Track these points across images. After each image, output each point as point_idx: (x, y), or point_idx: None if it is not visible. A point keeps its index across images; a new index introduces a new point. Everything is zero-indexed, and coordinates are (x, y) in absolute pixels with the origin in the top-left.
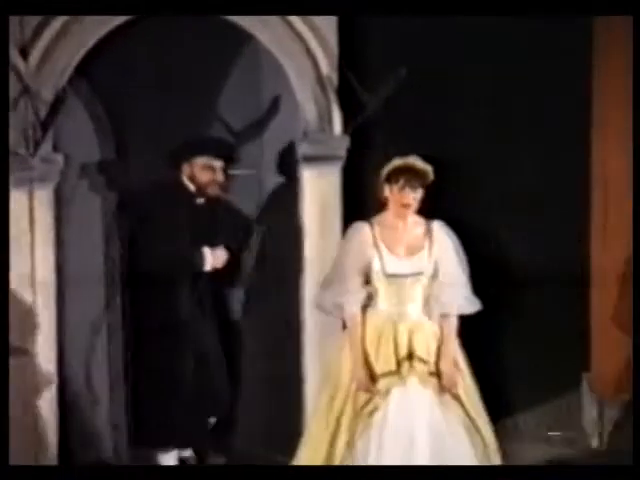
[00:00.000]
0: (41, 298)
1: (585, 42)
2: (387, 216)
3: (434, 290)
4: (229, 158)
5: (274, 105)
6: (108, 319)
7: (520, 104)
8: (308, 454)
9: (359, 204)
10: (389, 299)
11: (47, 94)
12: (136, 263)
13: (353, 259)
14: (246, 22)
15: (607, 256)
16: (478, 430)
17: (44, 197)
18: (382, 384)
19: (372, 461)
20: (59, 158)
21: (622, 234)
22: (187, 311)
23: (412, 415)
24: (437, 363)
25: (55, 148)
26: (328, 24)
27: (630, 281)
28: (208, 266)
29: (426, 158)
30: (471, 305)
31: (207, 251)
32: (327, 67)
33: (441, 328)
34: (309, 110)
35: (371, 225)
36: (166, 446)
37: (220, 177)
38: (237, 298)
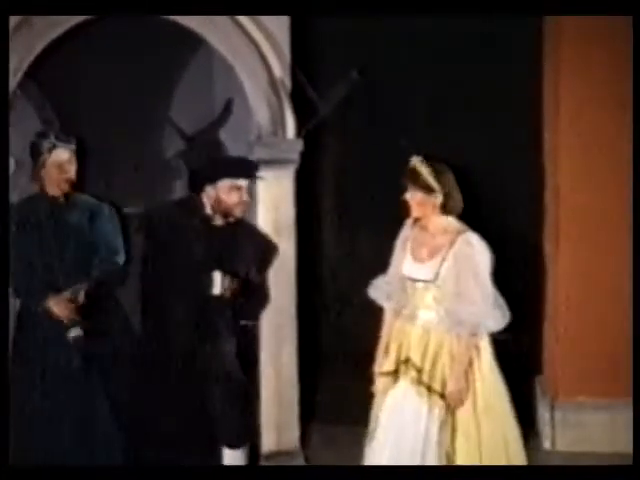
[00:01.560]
0: None
1: (535, 42)
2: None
3: (450, 304)
4: (251, 177)
5: (227, 109)
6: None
7: (472, 104)
8: None
9: (313, 208)
10: (406, 301)
11: None
12: (149, 284)
13: (394, 254)
14: (197, 25)
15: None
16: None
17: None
18: (379, 382)
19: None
20: (10, 162)
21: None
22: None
23: (398, 418)
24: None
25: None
26: (280, 26)
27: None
28: (217, 290)
29: (378, 161)
30: (492, 323)
31: (218, 275)
32: (280, 70)
33: (457, 346)
34: (262, 113)
35: (414, 224)
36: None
37: (246, 198)
38: None
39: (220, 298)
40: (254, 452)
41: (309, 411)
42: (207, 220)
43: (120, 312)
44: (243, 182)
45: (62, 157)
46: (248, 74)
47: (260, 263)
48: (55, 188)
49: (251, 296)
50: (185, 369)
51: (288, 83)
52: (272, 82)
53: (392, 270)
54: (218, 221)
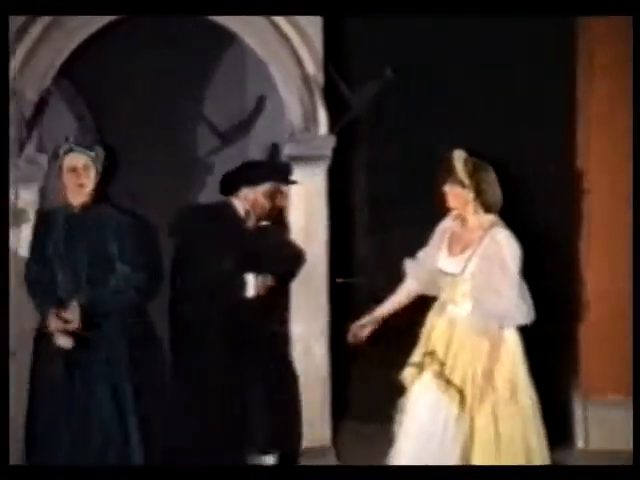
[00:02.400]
0: None
1: (569, 43)
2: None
3: (479, 296)
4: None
5: (259, 105)
6: None
7: (505, 102)
8: None
9: (345, 204)
10: (437, 293)
11: (31, 95)
12: (180, 285)
13: (432, 241)
14: (230, 22)
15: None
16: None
17: (28, 197)
18: (405, 372)
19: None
20: (43, 159)
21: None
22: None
23: (419, 410)
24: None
25: (39, 149)
26: (313, 24)
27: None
28: (251, 292)
29: (410, 157)
30: (519, 316)
31: (251, 277)
32: (312, 67)
33: (485, 340)
34: (294, 110)
35: (456, 217)
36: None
37: (284, 202)
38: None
39: (254, 300)
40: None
41: (341, 408)
42: (240, 223)
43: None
44: (283, 187)
45: (77, 162)
46: (281, 71)
47: (287, 268)
48: (74, 196)
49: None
50: (220, 373)
51: (321, 80)
52: (305, 79)
53: (426, 251)
54: (250, 224)
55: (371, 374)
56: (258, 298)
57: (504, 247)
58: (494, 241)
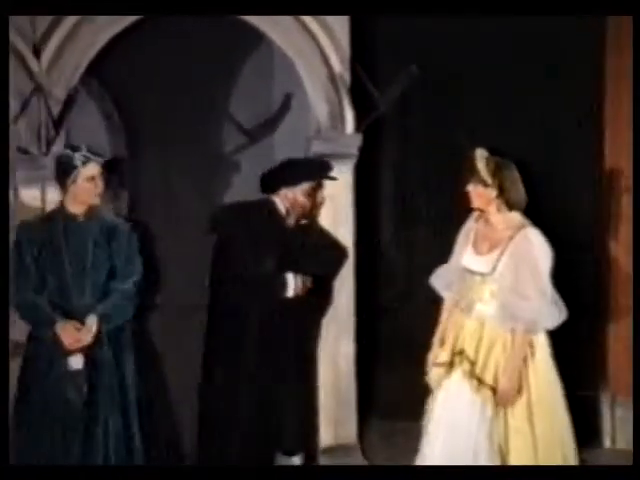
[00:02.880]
0: None
1: (597, 42)
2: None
3: (506, 298)
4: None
5: (286, 103)
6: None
7: (533, 103)
8: None
9: (372, 202)
10: (464, 293)
11: (59, 93)
12: (218, 282)
13: (457, 244)
14: (258, 21)
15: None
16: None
17: (56, 196)
18: (433, 373)
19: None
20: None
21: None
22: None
23: (450, 411)
24: (496, 375)
25: (67, 147)
26: (340, 22)
27: None
28: (291, 292)
29: (436, 155)
30: (548, 320)
31: (291, 277)
32: (339, 65)
33: (511, 341)
34: (321, 108)
35: (479, 216)
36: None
37: (322, 200)
38: None
39: (292, 301)
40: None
41: (367, 406)
42: (281, 222)
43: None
44: (321, 184)
45: (95, 171)
46: (307, 69)
47: (330, 265)
48: (78, 205)
49: (320, 297)
50: (253, 372)
51: (347, 78)
52: (331, 77)
53: (454, 260)
54: (291, 222)
55: (397, 373)
56: (297, 298)
57: (536, 248)
58: (526, 241)
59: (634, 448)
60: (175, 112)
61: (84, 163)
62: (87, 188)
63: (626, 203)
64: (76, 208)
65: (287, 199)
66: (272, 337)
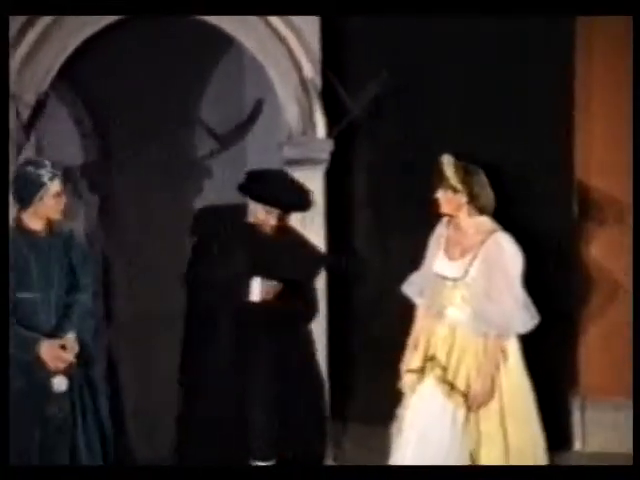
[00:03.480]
0: None
1: (568, 42)
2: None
3: (478, 303)
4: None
5: (257, 108)
6: None
7: (505, 104)
8: None
9: (343, 208)
10: (435, 298)
11: (29, 97)
12: (194, 285)
13: (428, 250)
14: (228, 25)
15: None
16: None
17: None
18: (406, 379)
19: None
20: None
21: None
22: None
23: (422, 417)
24: (469, 379)
25: (38, 152)
26: (311, 27)
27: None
28: (255, 297)
29: (410, 161)
30: (520, 325)
31: (257, 281)
32: (310, 70)
33: (484, 346)
34: (292, 113)
35: (449, 222)
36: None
37: (272, 219)
38: None
39: (261, 305)
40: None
41: (339, 411)
42: (255, 226)
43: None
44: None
45: (59, 187)
46: (278, 74)
47: (305, 270)
48: (38, 220)
49: (302, 304)
50: (224, 375)
51: (318, 83)
52: (302, 82)
53: (425, 266)
54: (267, 228)
55: (370, 377)
56: (266, 302)
57: (507, 252)
58: (497, 245)
59: (634, 448)
60: (146, 117)
61: (51, 179)
62: (52, 204)
63: (598, 206)
64: (36, 224)
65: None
66: (243, 341)
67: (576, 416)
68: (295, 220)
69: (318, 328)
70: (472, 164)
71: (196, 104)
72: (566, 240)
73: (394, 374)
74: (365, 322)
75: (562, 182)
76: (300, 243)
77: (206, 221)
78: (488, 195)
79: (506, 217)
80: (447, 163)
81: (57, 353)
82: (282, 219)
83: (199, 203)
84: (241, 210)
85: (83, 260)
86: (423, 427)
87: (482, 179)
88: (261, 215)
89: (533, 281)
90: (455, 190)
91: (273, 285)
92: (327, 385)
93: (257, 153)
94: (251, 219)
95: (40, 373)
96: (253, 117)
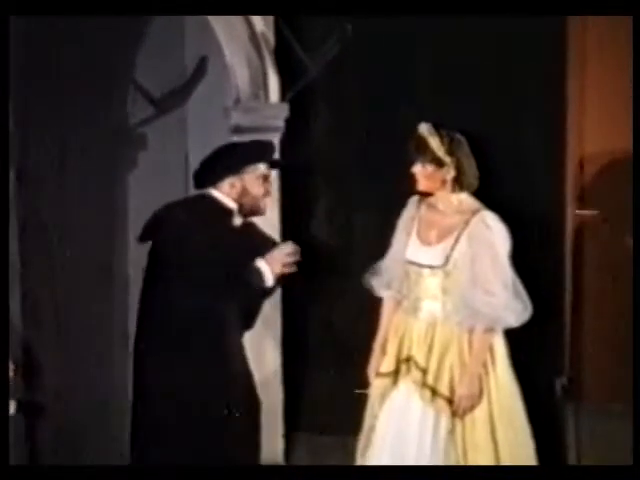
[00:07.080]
0: None
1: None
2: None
3: (464, 292)
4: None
5: (200, 68)
6: None
7: (486, 69)
8: None
9: (299, 182)
10: (408, 290)
11: None
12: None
13: (395, 236)
14: None
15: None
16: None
17: None
18: (376, 385)
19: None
20: None
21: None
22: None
23: (398, 426)
24: (452, 382)
25: None
26: None
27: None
28: (270, 281)
29: (380, 130)
30: (511, 317)
31: (263, 264)
32: (261, 24)
33: (470, 342)
34: (241, 74)
35: (420, 201)
36: None
37: (270, 187)
38: None
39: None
40: None
41: (294, 420)
42: (225, 220)
43: None
44: (268, 170)
45: None
46: (225, 28)
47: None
48: None
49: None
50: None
51: (271, 38)
52: (253, 37)
53: (392, 254)
54: (237, 221)
55: (329, 381)
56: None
57: (494, 232)
58: (484, 225)
59: (634, 448)
60: (72, 79)
61: None
62: None
63: (590, 187)
64: None
65: (235, 190)
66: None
67: (569, 424)
68: None
69: (272, 325)
70: (453, 132)
71: (130, 64)
72: (557, 225)
73: (357, 377)
74: (325, 317)
75: (552, 155)
76: (262, 236)
77: (165, 223)
78: (473, 169)
79: (488, 194)
80: (429, 133)
81: None
82: (267, 191)
83: (132, 179)
84: (201, 203)
85: None
86: (398, 438)
87: (466, 150)
88: (257, 188)
89: (519, 271)
90: (440, 164)
91: (287, 251)
92: (281, 390)
93: (199, 120)
94: (228, 205)
95: None
96: (195, 78)
